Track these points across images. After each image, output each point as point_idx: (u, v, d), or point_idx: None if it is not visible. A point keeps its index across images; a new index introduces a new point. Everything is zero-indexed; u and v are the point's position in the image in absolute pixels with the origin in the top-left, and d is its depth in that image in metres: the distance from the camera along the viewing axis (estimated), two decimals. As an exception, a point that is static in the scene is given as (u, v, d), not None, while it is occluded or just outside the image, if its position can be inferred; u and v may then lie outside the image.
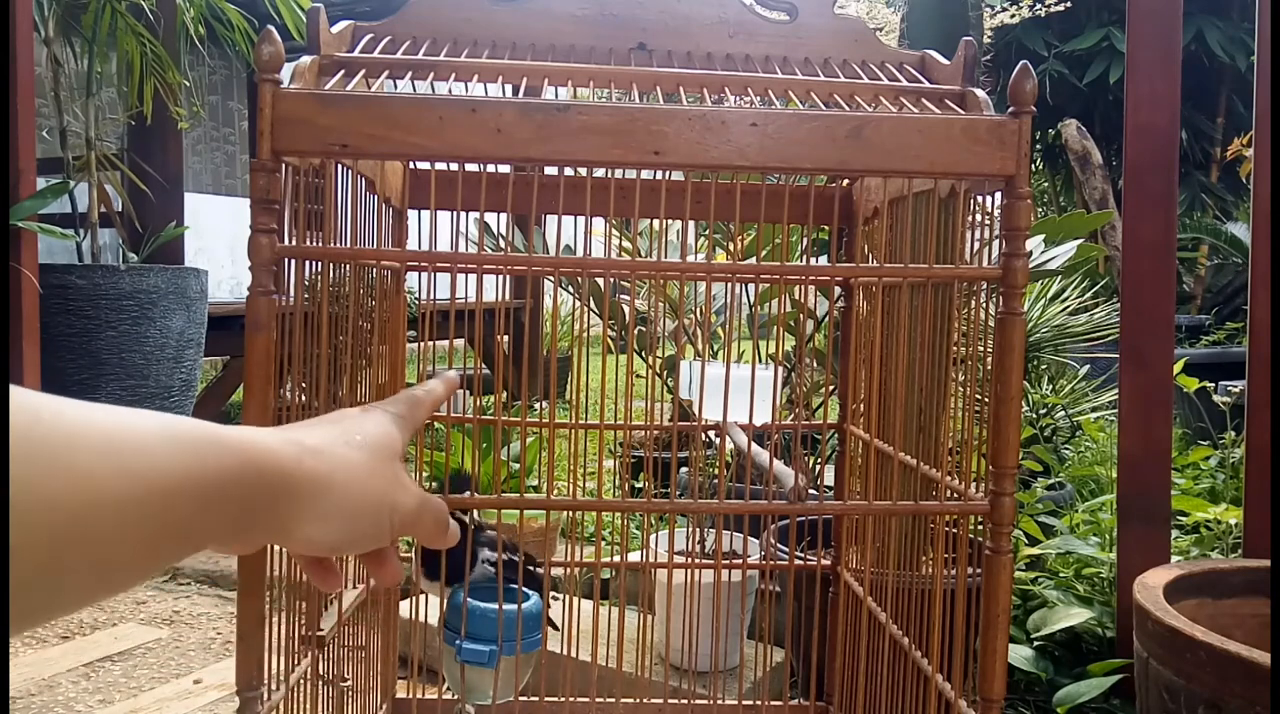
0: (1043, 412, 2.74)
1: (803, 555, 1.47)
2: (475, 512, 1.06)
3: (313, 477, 0.41)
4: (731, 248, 1.98)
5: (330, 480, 0.42)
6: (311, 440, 0.42)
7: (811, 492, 1.82)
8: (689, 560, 1.30)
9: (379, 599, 1.21)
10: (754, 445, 1.08)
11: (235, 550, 0.42)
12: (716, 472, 1.99)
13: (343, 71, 0.88)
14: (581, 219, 1.06)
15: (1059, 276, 2.42)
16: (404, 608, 1.52)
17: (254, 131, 0.80)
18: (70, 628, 1.99)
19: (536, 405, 3.55)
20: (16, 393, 0.29)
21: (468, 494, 0.98)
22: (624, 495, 1.58)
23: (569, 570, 1.29)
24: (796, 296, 1.99)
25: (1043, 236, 1.89)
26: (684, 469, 2.43)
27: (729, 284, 1.02)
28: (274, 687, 0.87)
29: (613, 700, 1.25)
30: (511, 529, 1.96)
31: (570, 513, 2.01)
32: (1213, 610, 1.33)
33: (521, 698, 1.11)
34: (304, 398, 0.90)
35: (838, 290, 1.30)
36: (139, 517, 0.32)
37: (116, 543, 0.31)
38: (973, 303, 0.92)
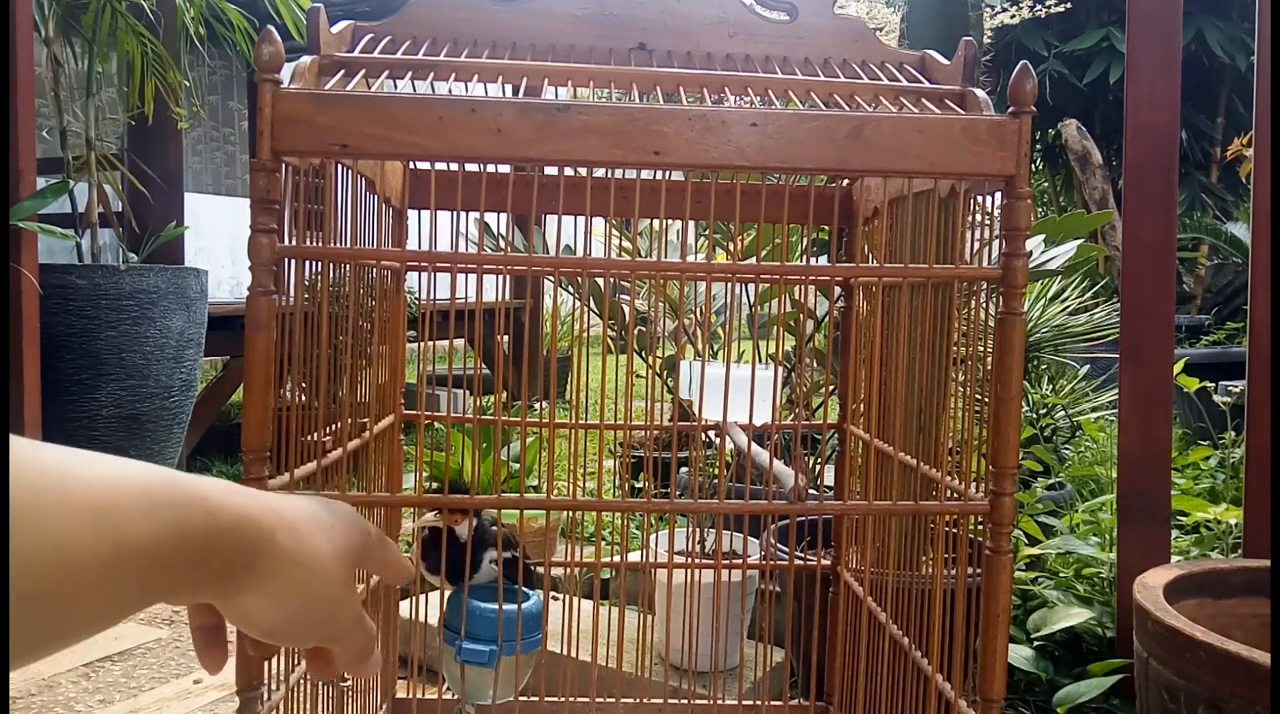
0: (1043, 412, 2.74)
1: (803, 555, 1.47)
2: (480, 510, 1.06)
3: (277, 556, 0.40)
4: (731, 248, 1.98)
5: (293, 566, 0.41)
6: (289, 515, 0.42)
7: (811, 492, 1.82)
8: (689, 560, 1.30)
9: (379, 599, 1.21)
10: (754, 445, 1.08)
11: (176, 603, 0.41)
12: (716, 472, 1.99)
13: (343, 71, 0.88)
14: (581, 219, 1.06)
15: (1059, 276, 2.42)
16: (404, 608, 1.52)
17: (254, 131, 0.80)
18: (70, 628, 1.98)
19: (536, 405, 3.55)
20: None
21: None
22: (624, 495, 1.58)
23: (569, 570, 1.29)
24: (796, 296, 1.99)
25: (1043, 236, 1.89)
26: (684, 469, 2.43)
27: (729, 284, 1.02)
28: (274, 687, 0.87)
29: (613, 700, 1.25)
30: (512, 528, 1.97)
31: (570, 513, 2.01)
32: (1213, 610, 1.33)
33: (521, 698, 1.11)
34: (304, 398, 0.90)
35: (838, 290, 1.30)
36: (103, 577, 0.32)
37: (78, 602, 0.31)
38: (973, 303, 0.92)
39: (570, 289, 2.03)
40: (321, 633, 0.45)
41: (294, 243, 0.85)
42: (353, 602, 0.46)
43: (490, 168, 0.93)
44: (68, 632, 0.32)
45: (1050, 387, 2.93)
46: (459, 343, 4.41)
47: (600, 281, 2.11)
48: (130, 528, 0.33)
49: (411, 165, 1.20)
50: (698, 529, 1.68)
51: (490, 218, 2.12)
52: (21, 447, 0.30)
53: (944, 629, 0.94)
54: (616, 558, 1.66)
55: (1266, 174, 1.53)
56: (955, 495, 0.93)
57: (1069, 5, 4.41)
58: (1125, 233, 1.62)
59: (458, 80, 0.91)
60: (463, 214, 1.07)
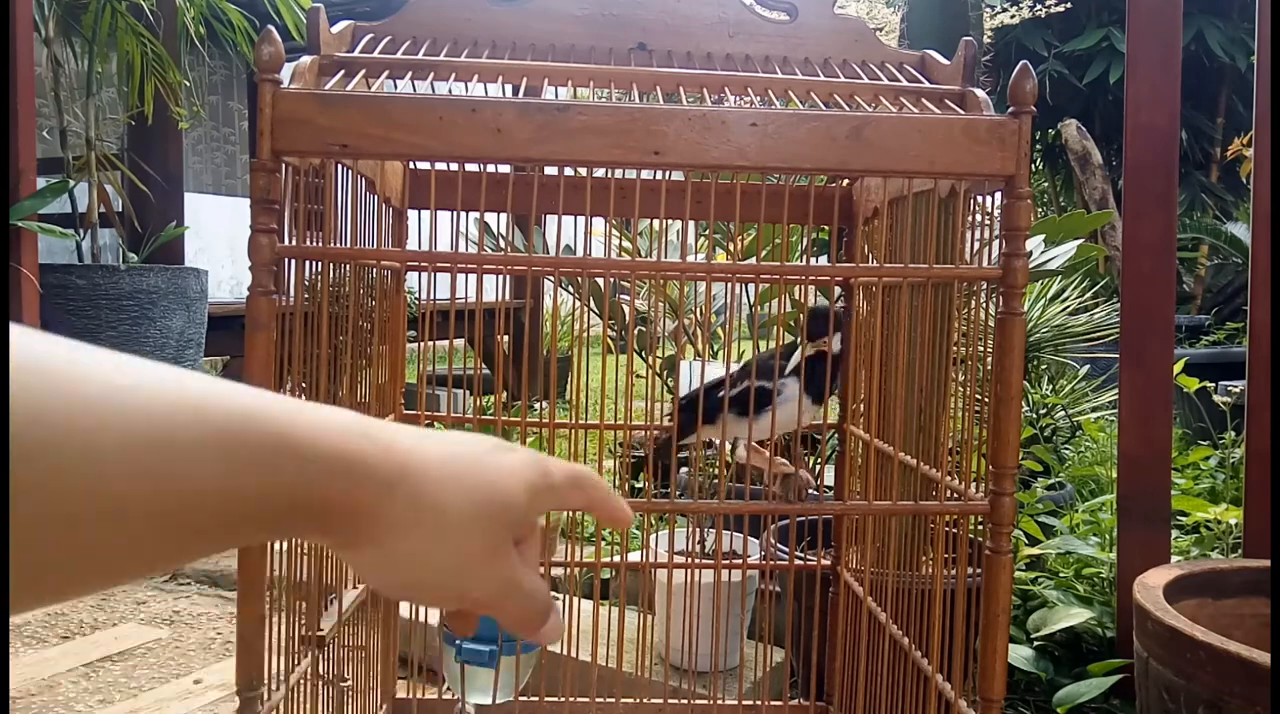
0: (1043, 412, 2.74)
1: (803, 555, 1.47)
2: None
3: (398, 513, 0.35)
4: (731, 248, 1.98)
5: (413, 525, 0.35)
6: (414, 460, 0.35)
7: (811, 492, 1.82)
8: (689, 560, 1.30)
9: (379, 599, 1.21)
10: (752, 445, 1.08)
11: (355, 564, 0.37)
12: (716, 472, 1.99)
13: (343, 72, 0.88)
14: (581, 219, 1.06)
15: (1059, 276, 2.42)
16: (404, 608, 1.52)
17: (254, 131, 0.80)
18: (70, 628, 1.99)
19: (536, 405, 3.55)
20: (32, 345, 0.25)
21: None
22: (624, 495, 1.58)
23: (569, 570, 1.29)
24: (796, 296, 1.99)
25: (1043, 236, 1.89)
26: (684, 469, 2.43)
27: (729, 284, 1.02)
28: (274, 687, 0.87)
29: (613, 700, 1.25)
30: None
31: (570, 513, 2.01)
32: (1213, 610, 1.33)
33: (521, 698, 1.11)
34: (304, 398, 0.90)
35: (838, 290, 1.30)
36: (163, 531, 0.28)
37: (134, 553, 0.28)
38: (973, 303, 0.92)
39: (570, 289, 2.03)
40: (459, 597, 0.39)
41: (294, 243, 0.85)
42: (500, 564, 0.38)
43: (490, 168, 0.93)
44: (122, 577, 0.28)
45: (1050, 387, 2.93)
46: (459, 343, 4.41)
47: (600, 281, 2.11)
48: (198, 479, 0.28)
49: (411, 165, 1.19)
50: (698, 529, 1.68)
51: (490, 218, 2.12)
52: (61, 352, 0.26)
53: (944, 629, 0.94)
54: (616, 558, 1.66)
55: (1266, 174, 1.53)
56: (955, 495, 0.93)
57: (1069, 5, 4.40)
58: (1125, 233, 1.62)
59: (458, 80, 0.91)
60: (463, 214, 1.07)
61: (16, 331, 0.25)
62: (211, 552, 0.31)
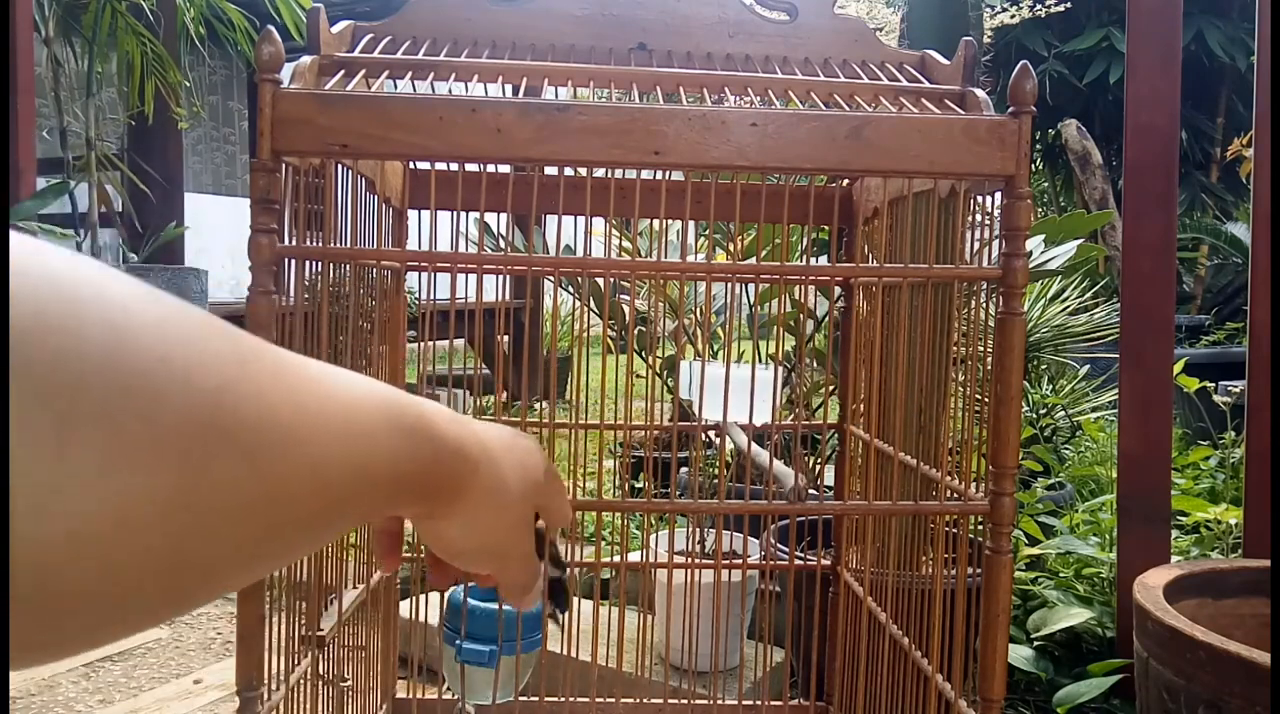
0: (1043, 412, 2.74)
1: (803, 555, 1.47)
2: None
3: (479, 489, 0.41)
4: (731, 248, 1.98)
5: (489, 497, 0.42)
6: (492, 448, 0.42)
7: (811, 492, 1.82)
8: (689, 560, 1.30)
9: (379, 599, 1.21)
10: (754, 445, 1.08)
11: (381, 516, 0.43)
12: (716, 472, 1.99)
13: (343, 71, 0.88)
14: (581, 219, 1.06)
15: (1059, 276, 2.42)
16: (404, 608, 1.52)
17: (254, 131, 0.80)
18: (70, 628, 1.98)
19: (536, 405, 3.55)
20: (244, 342, 0.27)
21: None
22: (624, 495, 1.58)
23: (569, 570, 1.29)
24: (796, 296, 1.99)
25: (1043, 236, 1.89)
26: (684, 469, 2.43)
27: (729, 284, 1.02)
28: (274, 687, 0.87)
29: (613, 700, 1.25)
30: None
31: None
32: (1213, 610, 1.33)
33: (521, 698, 1.11)
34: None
35: (838, 290, 1.30)
36: (347, 497, 0.31)
37: (325, 520, 0.30)
38: (973, 303, 0.92)
39: (570, 289, 2.03)
40: (497, 562, 0.47)
41: (294, 243, 0.85)
42: (527, 537, 0.47)
43: (490, 168, 0.93)
44: (302, 546, 0.31)
45: (1050, 387, 2.93)
46: (459, 343, 4.41)
47: (600, 281, 2.11)
48: (375, 450, 0.32)
49: (411, 165, 1.19)
50: (698, 529, 1.68)
51: (490, 218, 2.12)
52: (280, 358, 0.28)
53: (944, 629, 0.94)
54: (616, 558, 1.66)
55: (1266, 174, 1.53)
56: (955, 495, 0.93)
57: (1069, 5, 4.41)
58: (1125, 233, 1.62)
59: (458, 80, 0.91)
60: (463, 214, 1.07)
61: (241, 337, 0.27)
62: (365, 520, 0.36)
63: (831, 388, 1.44)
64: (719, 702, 1.27)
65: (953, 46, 0.96)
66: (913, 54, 1.03)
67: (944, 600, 0.93)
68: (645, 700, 1.26)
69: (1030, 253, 0.86)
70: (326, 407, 0.30)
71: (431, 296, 0.98)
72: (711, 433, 1.36)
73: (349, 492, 0.31)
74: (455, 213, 1.05)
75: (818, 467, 2.07)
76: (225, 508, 0.25)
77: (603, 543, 1.80)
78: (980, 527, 0.89)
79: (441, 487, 0.38)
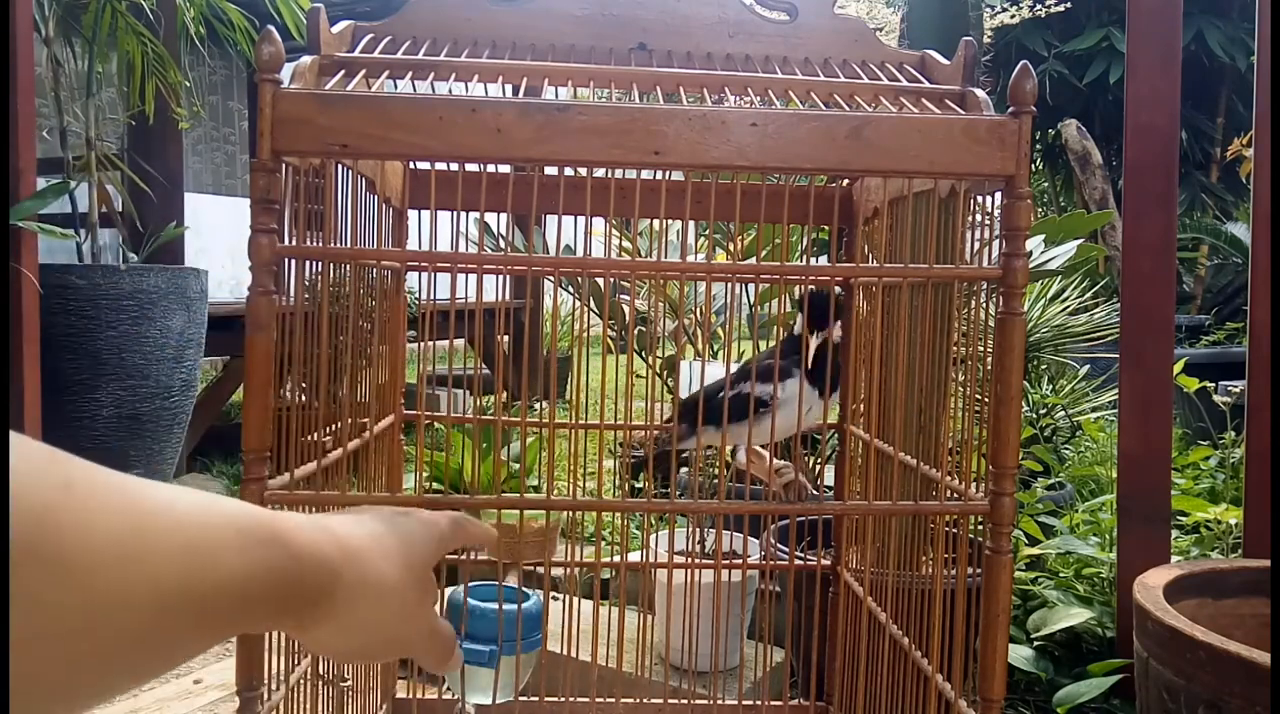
0: (1043, 412, 2.74)
1: (803, 555, 1.47)
2: None
3: (345, 593, 0.41)
4: (731, 248, 1.98)
5: (360, 597, 0.42)
6: (355, 547, 0.42)
7: (812, 492, 1.82)
8: (689, 560, 1.30)
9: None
10: (752, 445, 1.08)
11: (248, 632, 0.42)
12: (716, 472, 1.99)
13: (343, 71, 0.88)
14: (581, 219, 1.06)
15: (1059, 276, 2.42)
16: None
17: (254, 131, 0.80)
18: (70, 628, 1.98)
19: (536, 405, 3.55)
20: (71, 465, 0.27)
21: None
22: (624, 495, 1.58)
23: (569, 570, 1.29)
24: (796, 296, 1.99)
25: (1043, 236, 1.89)
26: (684, 469, 2.43)
27: (729, 284, 1.02)
28: (274, 687, 0.87)
29: (613, 700, 1.25)
30: (512, 530, 1.97)
31: (570, 513, 2.01)
32: (1213, 610, 1.33)
33: (521, 698, 1.11)
34: (304, 398, 0.90)
35: (838, 290, 1.30)
36: (197, 616, 0.31)
37: (173, 639, 0.31)
38: (973, 303, 0.92)
39: (570, 289, 2.03)
40: (396, 650, 0.47)
41: (294, 243, 0.85)
42: (422, 616, 0.47)
43: (490, 168, 0.93)
44: (155, 668, 0.31)
45: (1050, 387, 2.93)
46: (459, 343, 4.41)
47: (600, 281, 2.11)
48: (225, 568, 0.32)
49: (411, 165, 1.19)
50: (698, 529, 1.68)
51: (490, 218, 2.12)
52: (111, 480, 0.29)
53: (944, 629, 0.94)
54: (616, 558, 1.67)
55: (1266, 174, 1.53)
56: (955, 495, 0.93)
57: (1069, 5, 4.40)
58: (1125, 233, 1.62)
59: (458, 80, 0.91)
60: (463, 214, 1.07)
61: (51, 456, 0.28)
62: (223, 638, 0.35)
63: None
64: (719, 702, 1.27)
65: (953, 46, 0.96)
66: (913, 54, 1.03)
67: (944, 600, 0.93)
68: (645, 700, 1.26)
69: (1030, 253, 0.86)
70: (164, 524, 0.30)
71: (431, 296, 0.98)
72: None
73: (193, 608, 0.31)
74: (455, 213, 1.05)
75: (818, 466, 2.07)
76: (51, 631, 0.26)
77: (603, 543, 1.80)
78: (980, 527, 0.89)
79: (303, 597, 0.38)
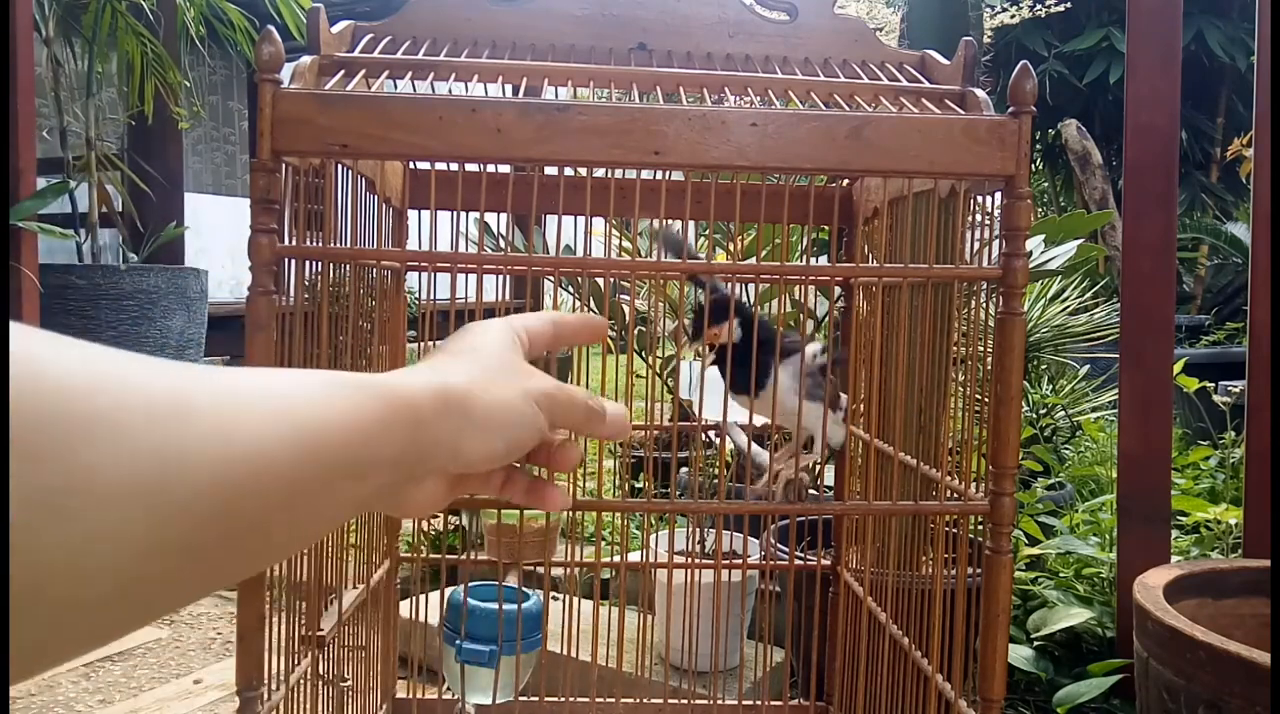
0: (1043, 412, 2.74)
1: (803, 555, 1.47)
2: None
3: (459, 393, 0.39)
4: (731, 248, 1.98)
5: (469, 391, 0.39)
6: (436, 363, 0.41)
7: (812, 492, 1.82)
8: (689, 560, 1.30)
9: (379, 599, 1.21)
10: (754, 445, 1.08)
11: (406, 504, 0.40)
12: (716, 472, 1.99)
13: (343, 71, 0.88)
14: (581, 219, 1.06)
15: (1059, 276, 2.42)
16: (404, 608, 1.52)
17: (254, 131, 0.80)
18: (70, 628, 1.98)
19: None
20: (138, 363, 0.26)
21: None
22: (624, 495, 1.58)
23: (569, 570, 1.29)
24: (796, 296, 1.99)
25: (1043, 236, 1.89)
26: (684, 469, 2.43)
27: (729, 284, 1.02)
28: (274, 687, 0.87)
29: (613, 700, 1.25)
30: (512, 530, 1.97)
31: (570, 513, 2.01)
32: (1213, 610, 1.33)
33: (521, 698, 1.11)
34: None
35: (838, 290, 1.30)
36: (305, 472, 0.30)
37: (287, 507, 0.29)
38: (973, 303, 0.92)
39: (570, 289, 2.03)
40: (542, 419, 0.43)
41: (294, 243, 0.85)
42: (540, 376, 0.44)
43: (490, 168, 0.93)
44: (287, 541, 0.31)
45: (1050, 387, 2.93)
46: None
47: (600, 281, 2.11)
48: (318, 419, 0.31)
49: (411, 165, 1.19)
50: (698, 529, 1.68)
51: (490, 218, 2.12)
52: (185, 368, 0.28)
53: (944, 629, 0.94)
54: (616, 558, 1.67)
55: (1266, 174, 1.53)
56: (955, 495, 0.93)
57: (1069, 5, 4.41)
58: (1125, 233, 1.62)
59: (458, 80, 0.91)
60: (463, 214, 1.07)
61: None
62: (362, 489, 0.34)
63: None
64: (719, 702, 1.27)
65: (953, 46, 0.96)
66: (913, 54, 1.03)
67: (944, 600, 0.93)
68: (645, 700, 1.26)
69: (1030, 253, 0.86)
70: (250, 390, 0.30)
71: (431, 296, 0.98)
72: (711, 433, 1.36)
73: (309, 461, 0.30)
74: (455, 213, 1.05)
75: (818, 466, 2.07)
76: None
77: (603, 543, 1.80)
78: (980, 527, 0.89)
79: (428, 413, 0.37)
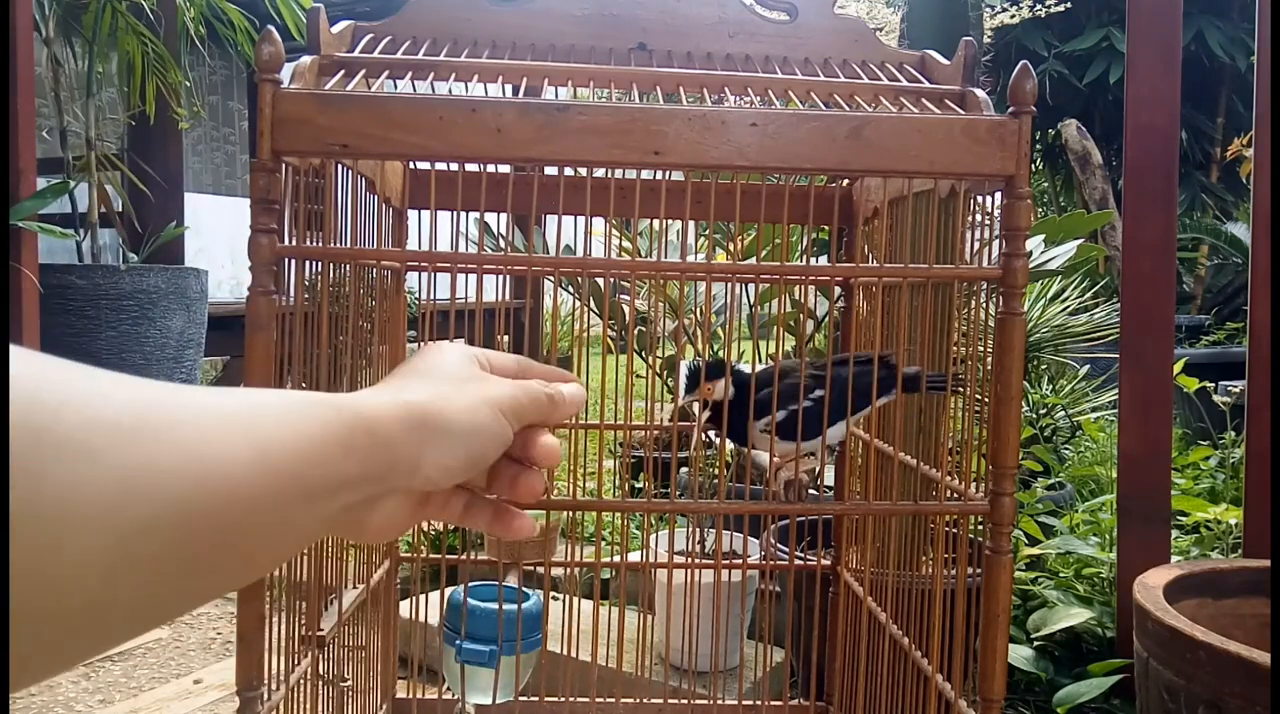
0: (1043, 412, 2.74)
1: (803, 555, 1.47)
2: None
3: (420, 408, 0.39)
4: (731, 248, 1.98)
5: (429, 404, 0.39)
6: (395, 383, 0.41)
7: (812, 492, 1.82)
8: (689, 560, 1.30)
9: (379, 599, 1.21)
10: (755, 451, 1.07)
11: (365, 527, 0.39)
12: (716, 472, 1.99)
13: (343, 71, 0.88)
14: (581, 219, 1.06)
15: (1059, 276, 2.42)
16: (404, 608, 1.52)
17: (254, 131, 0.80)
18: (70, 628, 1.98)
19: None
20: (107, 380, 0.26)
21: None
22: (624, 495, 1.58)
23: (569, 570, 1.29)
24: (796, 296, 1.99)
25: (1043, 236, 1.89)
26: (684, 469, 2.43)
27: (729, 284, 1.02)
28: (274, 687, 0.87)
29: (613, 700, 1.25)
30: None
31: (570, 513, 2.01)
32: (1213, 610, 1.33)
33: (521, 698, 1.11)
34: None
35: (838, 290, 1.30)
36: (272, 494, 0.30)
37: (257, 527, 0.30)
38: (973, 303, 0.92)
39: (570, 289, 2.03)
40: (506, 425, 0.43)
41: (294, 243, 0.85)
42: (497, 383, 0.43)
43: (490, 168, 0.93)
44: (253, 564, 0.31)
45: (1050, 387, 2.93)
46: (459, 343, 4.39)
47: (600, 281, 2.11)
48: (281, 438, 0.31)
49: (411, 165, 1.19)
50: (698, 529, 1.68)
51: (490, 218, 2.12)
52: (144, 384, 0.28)
53: (944, 629, 0.94)
54: (616, 558, 1.67)
55: (1266, 174, 1.53)
56: (955, 495, 0.93)
57: (1069, 5, 4.41)
58: (1125, 233, 1.62)
59: (458, 80, 0.91)
60: (463, 214, 1.07)
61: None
62: (319, 535, 0.36)
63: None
64: (719, 702, 1.27)
65: (953, 46, 0.96)
66: (913, 54, 1.03)
67: (944, 600, 0.93)
68: (645, 700, 1.26)
69: (1030, 253, 0.86)
70: (213, 414, 0.30)
71: (431, 296, 0.98)
72: (711, 433, 1.36)
73: (274, 481, 0.31)
74: (455, 213, 1.05)
75: (818, 467, 2.07)
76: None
77: (603, 543, 1.80)
78: (980, 527, 0.89)
79: (400, 431, 0.37)
